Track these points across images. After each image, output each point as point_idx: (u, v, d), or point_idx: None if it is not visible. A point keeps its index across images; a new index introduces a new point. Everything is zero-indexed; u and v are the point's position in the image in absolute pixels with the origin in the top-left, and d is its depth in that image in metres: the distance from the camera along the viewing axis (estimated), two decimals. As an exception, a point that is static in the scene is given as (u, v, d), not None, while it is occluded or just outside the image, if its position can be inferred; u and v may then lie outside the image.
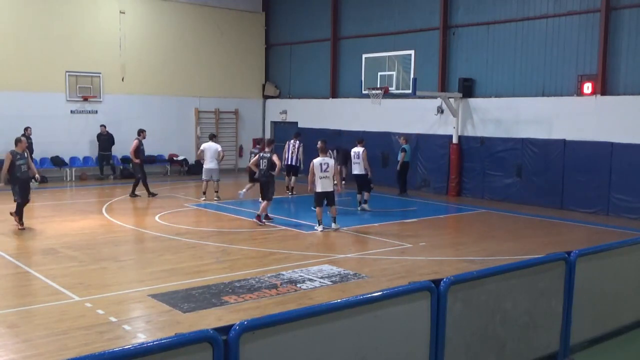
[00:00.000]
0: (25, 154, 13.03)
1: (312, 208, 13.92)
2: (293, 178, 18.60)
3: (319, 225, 13.39)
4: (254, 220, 13.99)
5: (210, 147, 17.35)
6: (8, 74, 20.45)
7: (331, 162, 13.34)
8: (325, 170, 13.19)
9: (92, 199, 18.08)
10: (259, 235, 12.96)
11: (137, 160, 17.52)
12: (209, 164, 17.26)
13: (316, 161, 13.25)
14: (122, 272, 9.93)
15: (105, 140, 21.84)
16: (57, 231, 13.07)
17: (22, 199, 12.92)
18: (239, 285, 9.05)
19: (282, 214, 15.40)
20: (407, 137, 19.65)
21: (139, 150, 17.55)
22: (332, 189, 13.39)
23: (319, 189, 13.24)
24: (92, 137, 21.90)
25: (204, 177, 17.49)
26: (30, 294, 8.57)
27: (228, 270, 9.95)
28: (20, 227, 12.84)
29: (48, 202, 17.87)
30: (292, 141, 18.68)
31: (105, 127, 21.88)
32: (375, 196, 17.08)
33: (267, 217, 14.12)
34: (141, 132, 17.97)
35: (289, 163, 18.52)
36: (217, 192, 17.49)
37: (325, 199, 13.35)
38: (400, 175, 18.98)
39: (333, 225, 13.41)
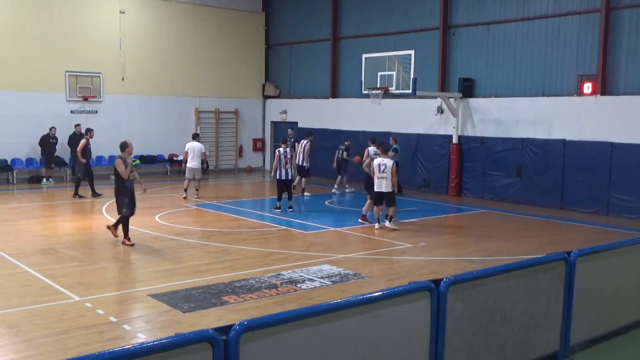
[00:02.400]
0: (130, 160, 11.71)
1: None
2: (303, 180, 18.39)
3: (389, 221, 13.67)
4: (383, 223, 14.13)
5: (194, 147, 17.42)
6: (8, 74, 20.44)
7: (389, 163, 13.47)
8: (382, 171, 13.41)
9: (92, 199, 18.06)
10: (259, 235, 12.97)
11: (83, 160, 17.43)
12: (191, 163, 17.32)
13: (375, 162, 13.57)
14: (122, 272, 9.94)
15: (80, 140, 21.17)
16: (57, 231, 13.08)
17: (132, 211, 11.60)
18: (239, 285, 9.05)
19: (286, 214, 15.40)
20: (407, 137, 19.64)
21: (86, 149, 17.52)
22: (388, 190, 13.46)
23: (376, 189, 13.51)
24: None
25: (187, 176, 17.60)
26: (30, 294, 8.57)
27: (228, 270, 9.95)
28: (129, 242, 11.45)
29: (48, 201, 17.90)
30: (303, 140, 18.59)
31: (80, 126, 20.39)
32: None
33: (363, 218, 14.29)
34: (89, 132, 18.02)
35: (298, 164, 18.27)
36: (197, 190, 17.71)
37: (383, 199, 13.56)
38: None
39: (387, 223, 13.66)
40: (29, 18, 20.86)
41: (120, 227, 11.75)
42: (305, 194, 18.43)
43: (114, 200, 11.84)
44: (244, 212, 15.80)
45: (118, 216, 11.75)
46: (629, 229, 13.95)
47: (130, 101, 23.08)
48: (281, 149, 15.72)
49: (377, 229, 13.56)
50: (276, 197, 15.92)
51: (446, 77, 20.09)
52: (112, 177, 12.14)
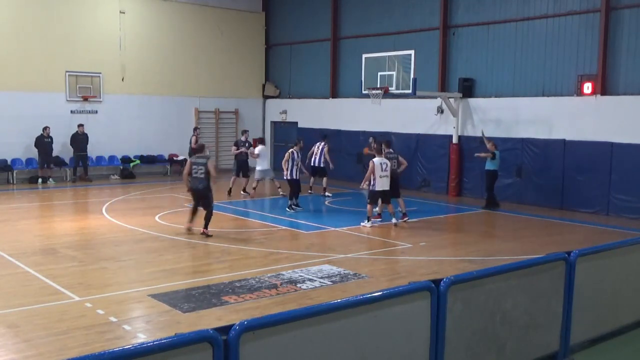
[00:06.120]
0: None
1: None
2: (324, 179, 18.33)
3: (368, 221, 13.77)
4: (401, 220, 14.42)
5: (264, 150, 18.22)
6: (8, 74, 20.44)
7: (389, 162, 13.88)
8: (384, 170, 13.63)
9: (92, 199, 18.08)
10: (259, 235, 12.96)
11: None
12: (262, 165, 17.92)
13: (377, 161, 13.63)
14: (122, 272, 9.93)
15: (83, 140, 21.30)
16: (57, 231, 13.08)
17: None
18: (239, 285, 9.05)
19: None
20: (407, 137, 19.57)
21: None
22: (389, 188, 13.85)
23: (378, 188, 13.60)
24: (93, 137, 21.79)
25: (257, 177, 18.10)
26: (30, 294, 8.57)
27: (228, 270, 9.95)
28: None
29: (48, 201, 17.90)
30: (318, 143, 18.58)
31: (83, 126, 21.32)
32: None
33: (379, 215, 14.53)
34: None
35: (313, 165, 18.40)
36: (279, 187, 18.15)
37: (382, 197, 13.85)
38: (490, 185, 16.78)
39: (394, 219, 14.06)
40: (29, 18, 20.86)
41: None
42: (327, 194, 18.34)
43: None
44: (244, 212, 15.80)
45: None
46: (629, 229, 13.94)
47: (130, 101, 23.07)
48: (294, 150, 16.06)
49: (369, 227, 13.67)
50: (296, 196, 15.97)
51: (446, 77, 20.09)
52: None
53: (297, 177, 15.77)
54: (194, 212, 12.67)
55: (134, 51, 23.06)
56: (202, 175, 12.31)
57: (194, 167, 12.41)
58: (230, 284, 9.07)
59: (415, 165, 20.25)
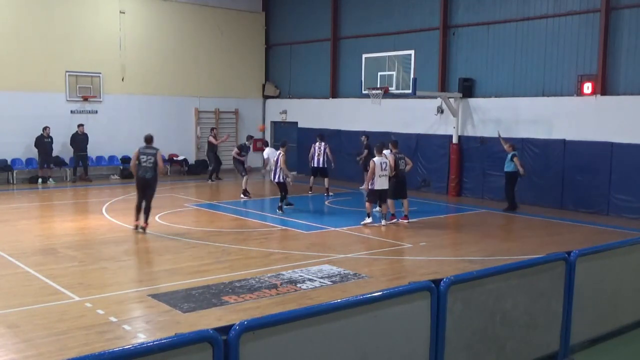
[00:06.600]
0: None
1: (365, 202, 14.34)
2: (326, 180, 18.48)
3: (368, 218, 13.89)
4: (401, 220, 14.46)
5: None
6: (8, 74, 20.44)
7: (388, 161, 13.96)
8: (384, 169, 13.71)
9: (92, 199, 18.08)
10: (259, 235, 12.96)
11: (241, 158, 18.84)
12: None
13: (377, 160, 13.70)
14: (122, 272, 9.93)
15: (83, 140, 21.32)
16: (57, 231, 13.08)
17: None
18: (239, 285, 9.05)
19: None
20: (407, 137, 19.52)
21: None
22: (387, 187, 13.92)
23: (377, 187, 13.68)
24: (93, 137, 21.78)
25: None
26: (30, 294, 8.57)
27: (228, 270, 9.95)
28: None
29: (48, 201, 17.90)
30: (317, 143, 18.61)
31: (83, 126, 21.37)
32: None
33: (393, 216, 14.47)
34: (251, 138, 19.71)
35: (315, 166, 18.50)
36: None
37: (380, 196, 13.91)
38: (510, 187, 16.59)
39: (383, 221, 13.99)
40: (29, 18, 20.85)
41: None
42: (330, 194, 18.50)
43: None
44: (244, 212, 15.80)
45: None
46: (629, 229, 13.94)
47: (130, 101, 23.07)
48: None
49: (369, 224, 13.80)
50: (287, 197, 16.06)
51: (446, 77, 20.09)
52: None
53: (283, 180, 15.71)
54: (140, 208, 12.75)
55: (134, 51, 23.05)
56: (151, 165, 12.57)
57: (142, 156, 12.64)
58: (230, 284, 9.07)
59: (415, 165, 20.21)
